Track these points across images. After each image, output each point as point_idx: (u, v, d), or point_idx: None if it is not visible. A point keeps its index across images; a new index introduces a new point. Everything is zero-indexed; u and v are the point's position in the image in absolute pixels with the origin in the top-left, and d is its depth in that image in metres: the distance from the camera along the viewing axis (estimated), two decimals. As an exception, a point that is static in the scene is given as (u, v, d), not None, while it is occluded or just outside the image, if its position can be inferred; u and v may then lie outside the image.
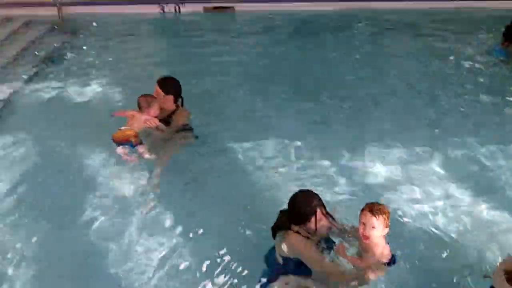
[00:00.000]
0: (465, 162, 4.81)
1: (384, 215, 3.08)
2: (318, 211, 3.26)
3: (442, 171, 4.65)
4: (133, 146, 4.49)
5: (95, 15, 9.10)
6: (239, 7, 9.31)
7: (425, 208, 4.15)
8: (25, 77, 6.79)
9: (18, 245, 3.83)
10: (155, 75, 6.68)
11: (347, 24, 8.68)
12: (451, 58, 7.15)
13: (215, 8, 9.31)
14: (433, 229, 3.92)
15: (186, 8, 9.27)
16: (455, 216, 4.06)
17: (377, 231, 3.08)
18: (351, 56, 7.35)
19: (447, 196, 4.31)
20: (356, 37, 8.16)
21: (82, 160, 4.79)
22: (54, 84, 6.62)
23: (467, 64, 6.93)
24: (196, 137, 4.92)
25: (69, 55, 7.62)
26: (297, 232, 3.30)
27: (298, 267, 3.29)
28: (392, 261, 3.17)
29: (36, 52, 7.66)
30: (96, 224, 4.03)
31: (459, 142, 5.09)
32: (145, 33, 8.64)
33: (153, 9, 9.25)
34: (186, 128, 4.84)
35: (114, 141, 4.51)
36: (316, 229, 3.26)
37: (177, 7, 9.26)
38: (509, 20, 7.04)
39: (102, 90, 6.41)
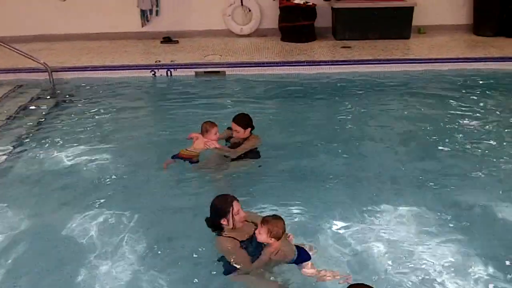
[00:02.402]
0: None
1: (268, 226, 3.85)
2: (235, 203, 4.06)
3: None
4: (191, 163, 5.68)
5: (86, 80, 9.19)
6: (229, 71, 9.43)
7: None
8: (14, 142, 6.71)
9: None
10: (147, 136, 6.76)
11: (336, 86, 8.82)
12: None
13: (206, 72, 9.42)
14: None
15: (178, 72, 9.44)
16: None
17: (262, 235, 3.89)
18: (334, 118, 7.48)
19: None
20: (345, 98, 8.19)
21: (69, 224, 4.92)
22: (45, 148, 6.55)
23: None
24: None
25: (60, 119, 7.54)
26: (226, 236, 4.06)
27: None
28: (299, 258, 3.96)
29: (26, 117, 7.58)
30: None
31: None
32: (137, 96, 8.69)
33: (145, 73, 9.40)
34: (254, 152, 5.78)
35: (179, 156, 5.67)
36: (234, 222, 4.03)
37: (168, 72, 9.37)
38: None
39: (94, 153, 6.36)
